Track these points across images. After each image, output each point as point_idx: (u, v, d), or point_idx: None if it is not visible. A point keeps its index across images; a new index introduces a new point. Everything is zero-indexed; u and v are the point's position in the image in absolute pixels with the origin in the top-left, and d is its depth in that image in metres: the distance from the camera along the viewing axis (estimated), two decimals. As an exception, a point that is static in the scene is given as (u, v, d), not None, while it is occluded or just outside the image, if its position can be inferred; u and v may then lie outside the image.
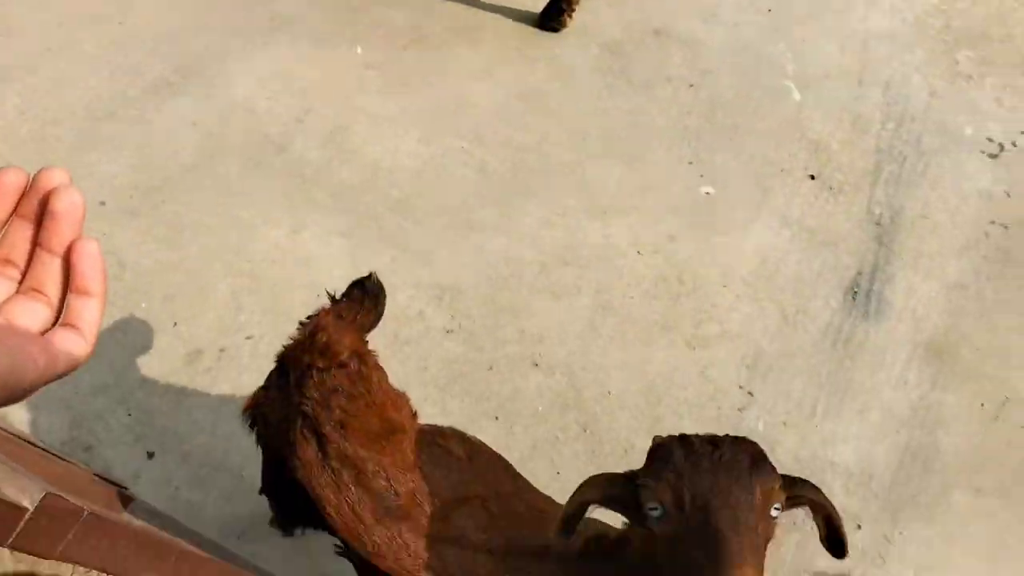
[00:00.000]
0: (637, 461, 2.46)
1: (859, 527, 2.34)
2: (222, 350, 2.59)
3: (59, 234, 0.60)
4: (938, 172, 3.18)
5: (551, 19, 3.60)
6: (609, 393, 2.57)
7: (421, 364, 2.61)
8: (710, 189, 3.08)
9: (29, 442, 1.58)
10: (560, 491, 1.90)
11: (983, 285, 2.87)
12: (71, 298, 0.62)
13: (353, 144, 3.16)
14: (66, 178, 0.61)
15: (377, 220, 2.95)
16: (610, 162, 3.14)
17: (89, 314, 0.62)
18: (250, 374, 2.54)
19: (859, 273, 2.87)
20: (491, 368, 2.61)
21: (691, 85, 3.46)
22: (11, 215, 0.62)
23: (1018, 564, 2.32)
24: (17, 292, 0.62)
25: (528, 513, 1.51)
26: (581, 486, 1.26)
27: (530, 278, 2.80)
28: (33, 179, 0.62)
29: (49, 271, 0.61)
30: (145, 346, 2.57)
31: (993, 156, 3.24)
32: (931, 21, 3.78)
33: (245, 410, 1.75)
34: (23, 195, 0.62)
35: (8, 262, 0.62)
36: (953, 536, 2.35)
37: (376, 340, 2.63)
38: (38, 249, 0.61)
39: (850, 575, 2.27)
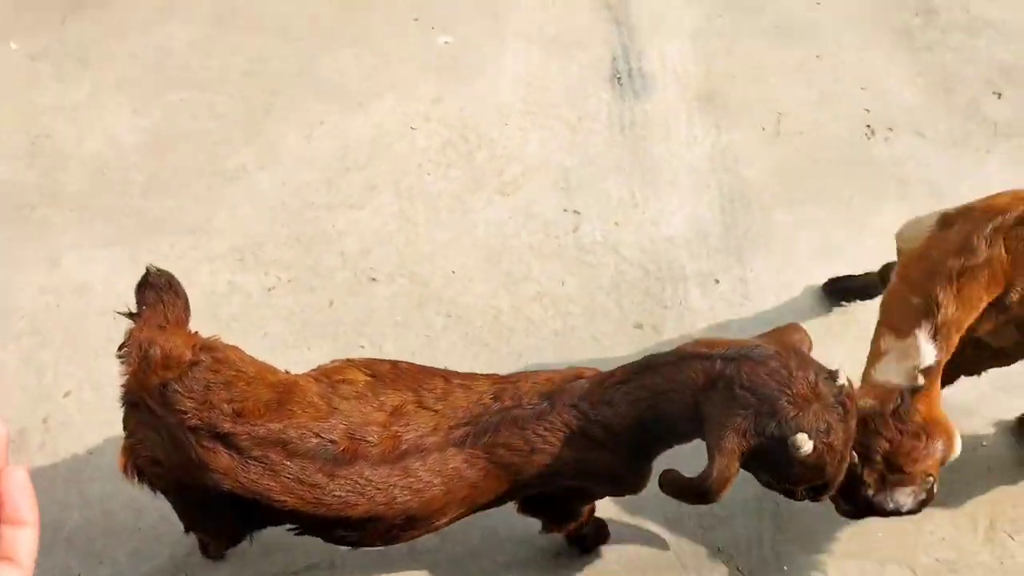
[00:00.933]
0: (508, 323, 2.47)
1: (717, 281, 2.50)
2: (45, 419, 2.30)
3: None
4: (637, -64, 3.25)
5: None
6: (453, 272, 2.53)
7: (260, 333, 2.44)
8: (447, 38, 2.99)
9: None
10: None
11: (719, 24, 3.02)
12: (3, 529, 0.60)
13: (64, 147, 2.78)
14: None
15: (132, 214, 2.65)
16: (338, 50, 2.95)
17: (24, 544, 0.60)
18: (88, 428, 2.29)
19: (614, 58, 2.94)
20: (332, 303, 2.49)
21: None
22: None
23: (845, 250, 2.57)
24: None
25: (467, 393, 1.48)
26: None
27: (322, 199, 2.65)
28: None
29: None
30: (-43, 458, 2.24)
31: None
32: None
33: (124, 468, 1.57)
34: None
35: None
36: (791, 251, 2.57)
37: (201, 330, 2.43)
38: None
39: (727, 324, 2.45)
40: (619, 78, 2.89)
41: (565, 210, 2.64)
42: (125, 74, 2.92)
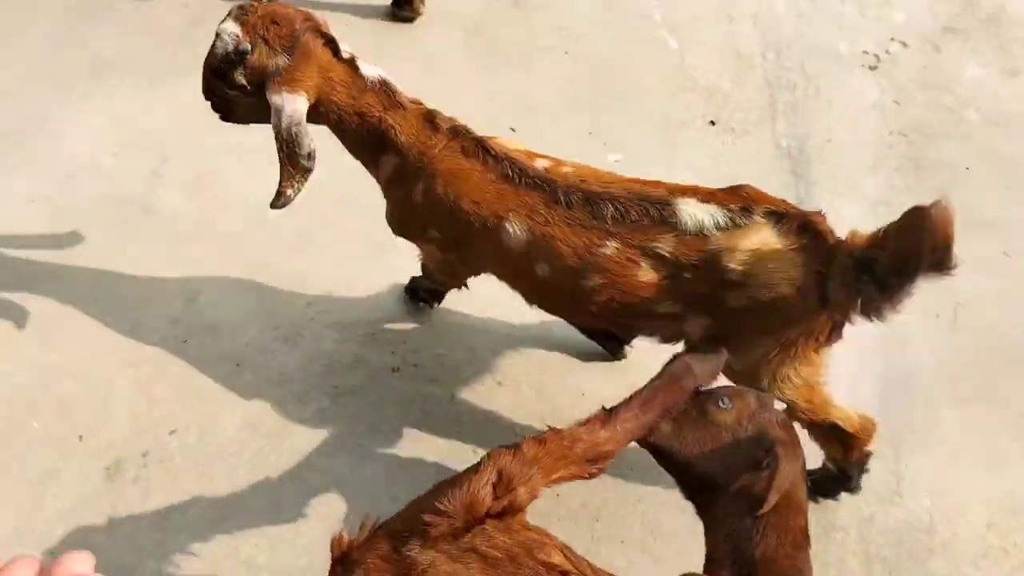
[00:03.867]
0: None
1: (867, 470, 2.28)
2: (145, 454, 2.23)
3: None
4: (829, 93, 3.17)
5: (403, 8, 3.34)
6: (583, 395, 2.40)
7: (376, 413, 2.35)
8: (618, 156, 2.94)
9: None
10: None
11: (903, 197, 2.87)
12: None
13: (227, 186, 2.81)
14: (88, 565, 0.57)
15: (274, 265, 2.62)
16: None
17: None
18: (185, 472, 2.21)
19: (787, 210, 2.81)
20: (452, 398, 2.38)
21: (566, 52, 3.29)
22: None
23: (1016, 465, 2.33)
24: None
25: None
26: None
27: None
28: (52, 566, 0.57)
29: None
30: (52, 471, 2.18)
31: (873, 68, 3.26)
32: (776, -55, 3.76)
33: None
34: None
35: None
36: (954, 454, 2.33)
37: (315, 399, 2.35)
38: None
39: (872, 517, 2.21)
40: (790, 231, 2.76)
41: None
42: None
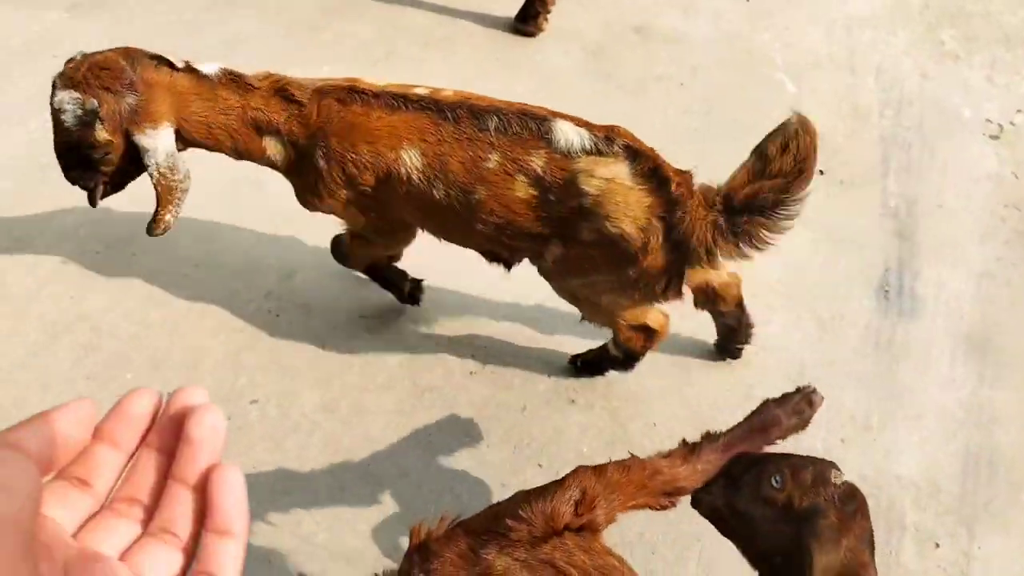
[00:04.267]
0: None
1: (937, 545, 2.21)
2: (227, 419, 2.31)
3: (194, 463, 0.55)
4: (945, 158, 3.10)
5: (526, 23, 3.40)
6: (655, 424, 2.39)
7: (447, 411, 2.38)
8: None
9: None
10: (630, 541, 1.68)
11: (1009, 272, 2.79)
12: (206, 537, 0.54)
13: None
14: (205, 397, 0.58)
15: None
16: (613, 172, 2.95)
17: (229, 559, 0.53)
18: (261, 442, 2.29)
19: (887, 270, 2.76)
20: (524, 409, 2.40)
21: (682, 84, 3.30)
22: (140, 445, 0.56)
23: (1097, 564, 2.23)
24: (144, 533, 0.54)
25: None
26: None
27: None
28: (167, 401, 0.57)
29: (181, 506, 0.54)
30: (138, 423, 2.28)
31: (995, 137, 3.17)
32: (909, 1, 3.70)
33: None
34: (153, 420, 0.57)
35: (135, 501, 0.55)
36: (1032, 543, 2.24)
37: (391, 391, 2.40)
38: (169, 481, 0.55)
39: (935, 597, 2.15)
40: (887, 291, 2.70)
41: (791, 405, 2.45)
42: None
